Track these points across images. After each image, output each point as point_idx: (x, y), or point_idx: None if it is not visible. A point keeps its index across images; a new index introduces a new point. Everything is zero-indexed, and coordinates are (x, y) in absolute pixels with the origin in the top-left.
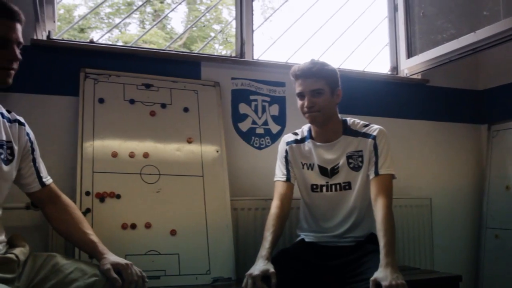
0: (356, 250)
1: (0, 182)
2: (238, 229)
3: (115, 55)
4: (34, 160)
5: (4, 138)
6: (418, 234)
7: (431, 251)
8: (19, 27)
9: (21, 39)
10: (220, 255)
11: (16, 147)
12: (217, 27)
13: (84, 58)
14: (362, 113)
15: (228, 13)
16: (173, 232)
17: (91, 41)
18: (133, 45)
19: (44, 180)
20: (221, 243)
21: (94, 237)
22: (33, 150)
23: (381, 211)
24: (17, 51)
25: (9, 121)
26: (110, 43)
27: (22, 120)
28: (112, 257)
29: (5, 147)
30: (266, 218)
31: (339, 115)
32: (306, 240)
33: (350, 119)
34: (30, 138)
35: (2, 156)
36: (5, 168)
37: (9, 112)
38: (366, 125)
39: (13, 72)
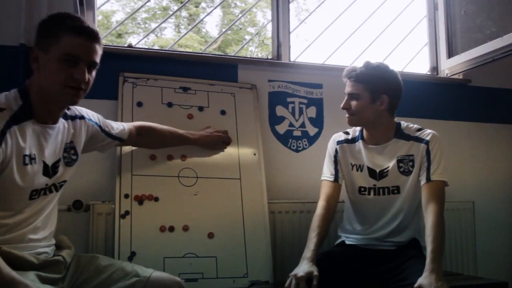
0: (398, 255)
1: (62, 182)
2: (276, 232)
3: (153, 59)
4: (104, 132)
5: (68, 140)
6: (460, 239)
7: (474, 257)
8: (94, 47)
9: (96, 60)
10: (258, 258)
11: (79, 145)
12: (251, 30)
13: (123, 62)
14: (400, 114)
15: (263, 16)
16: (210, 235)
17: (130, 46)
18: (171, 49)
19: (121, 137)
20: (258, 246)
21: (178, 131)
22: (100, 126)
23: (432, 217)
24: (86, 71)
25: (71, 118)
26: (147, 47)
27: (80, 113)
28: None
29: (68, 149)
30: (303, 221)
31: (395, 119)
32: (347, 242)
33: (404, 123)
34: (94, 122)
35: (65, 160)
36: (68, 169)
37: (68, 108)
38: (419, 129)
39: (82, 92)
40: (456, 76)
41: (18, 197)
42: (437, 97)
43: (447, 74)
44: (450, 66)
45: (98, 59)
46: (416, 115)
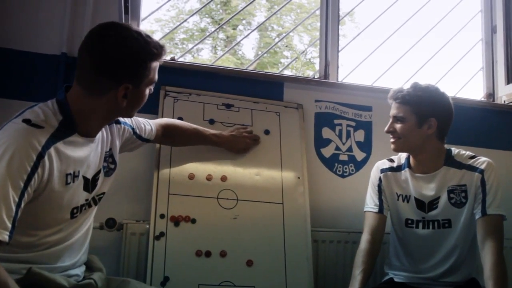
0: None
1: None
2: (318, 262)
3: (196, 73)
4: (136, 134)
5: (107, 148)
6: None
7: None
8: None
9: None
10: None
11: (116, 152)
12: (287, 53)
13: (165, 76)
14: (451, 141)
15: (299, 40)
16: (249, 263)
17: (172, 59)
18: (214, 64)
19: (149, 138)
20: (300, 277)
21: (204, 133)
22: (133, 129)
23: (491, 256)
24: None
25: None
26: (190, 61)
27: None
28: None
29: (107, 158)
30: (348, 252)
31: (445, 145)
32: (396, 280)
33: (455, 149)
34: (129, 125)
35: (105, 170)
36: (107, 180)
37: None
38: (472, 157)
39: None
40: None
41: (59, 217)
42: (494, 125)
43: (505, 101)
44: (509, 93)
45: None
46: (469, 143)
